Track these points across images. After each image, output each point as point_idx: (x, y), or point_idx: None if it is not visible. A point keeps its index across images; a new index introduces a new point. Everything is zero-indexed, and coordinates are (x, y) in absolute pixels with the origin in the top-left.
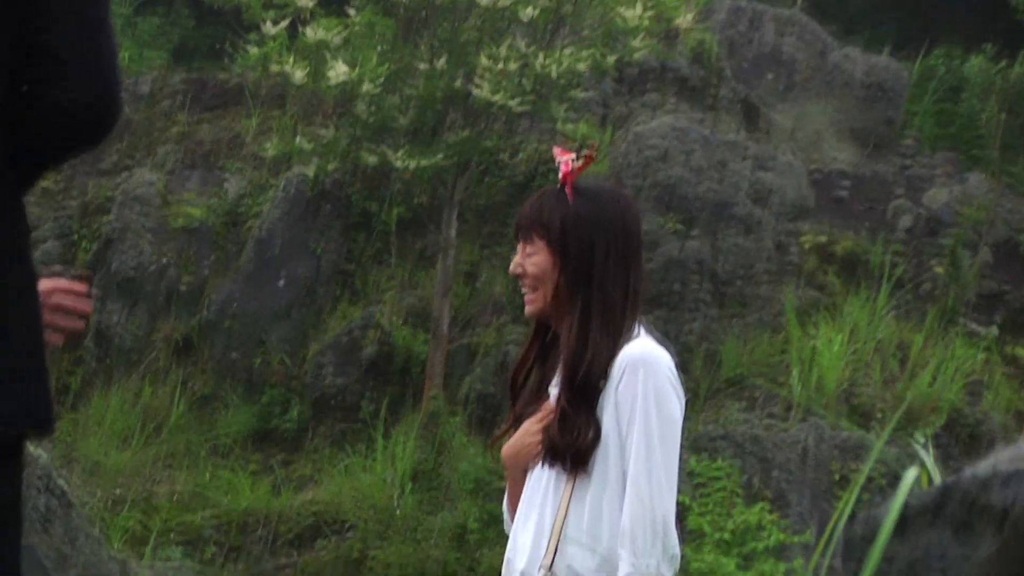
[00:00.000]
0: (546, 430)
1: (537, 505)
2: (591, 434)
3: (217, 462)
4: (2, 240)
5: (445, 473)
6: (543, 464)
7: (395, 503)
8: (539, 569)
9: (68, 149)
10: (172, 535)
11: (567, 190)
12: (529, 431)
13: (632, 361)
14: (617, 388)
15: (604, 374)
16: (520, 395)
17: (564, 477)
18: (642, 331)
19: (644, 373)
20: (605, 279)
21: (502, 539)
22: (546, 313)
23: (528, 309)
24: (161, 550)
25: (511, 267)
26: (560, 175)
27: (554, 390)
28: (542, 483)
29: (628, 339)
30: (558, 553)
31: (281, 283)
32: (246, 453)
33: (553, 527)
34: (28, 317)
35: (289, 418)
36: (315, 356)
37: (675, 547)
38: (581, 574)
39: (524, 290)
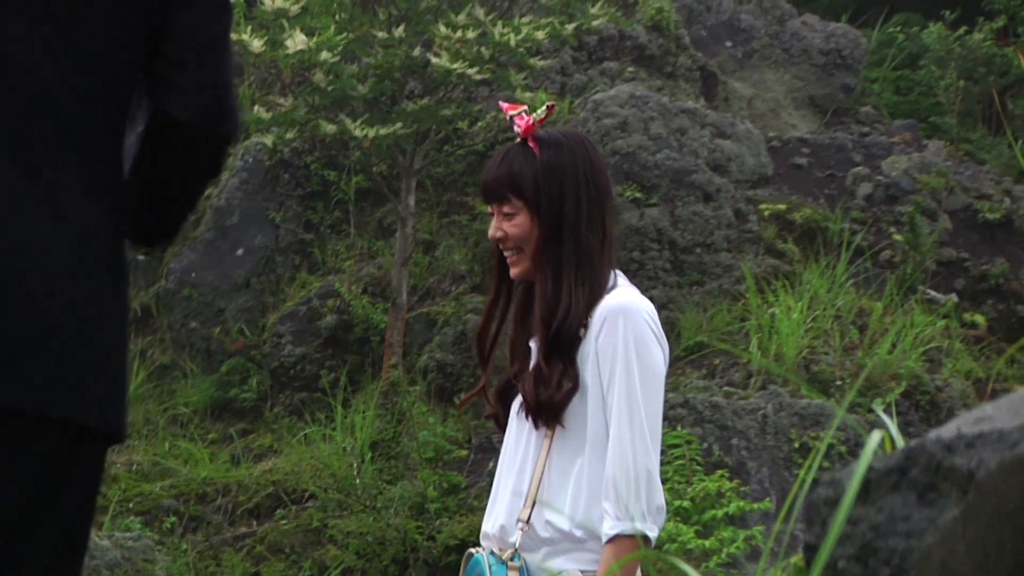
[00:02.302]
0: (523, 384)
1: (518, 459)
2: (568, 386)
3: (176, 432)
4: (113, 255)
5: (405, 443)
6: (524, 417)
7: (355, 473)
8: (516, 523)
9: (180, 170)
10: (131, 505)
11: (531, 144)
12: None
13: (612, 311)
14: (597, 339)
15: (583, 325)
16: (490, 356)
17: (544, 430)
18: (620, 280)
19: (624, 323)
20: (580, 227)
21: (462, 508)
22: (533, 273)
23: (514, 272)
24: (120, 520)
25: (491, 232)
26: (519, 130)
27: (534, 344)
28: (523, 436)
29: (605, 286)
30: (536, 507)
31: (240, 252)
32: (205, 423)
33: (531, 481)
34: (123, 323)
35: (248, 388)
36: (274, 326)
37: (660, 500)
38: (559, 528)
39: (507, 253)
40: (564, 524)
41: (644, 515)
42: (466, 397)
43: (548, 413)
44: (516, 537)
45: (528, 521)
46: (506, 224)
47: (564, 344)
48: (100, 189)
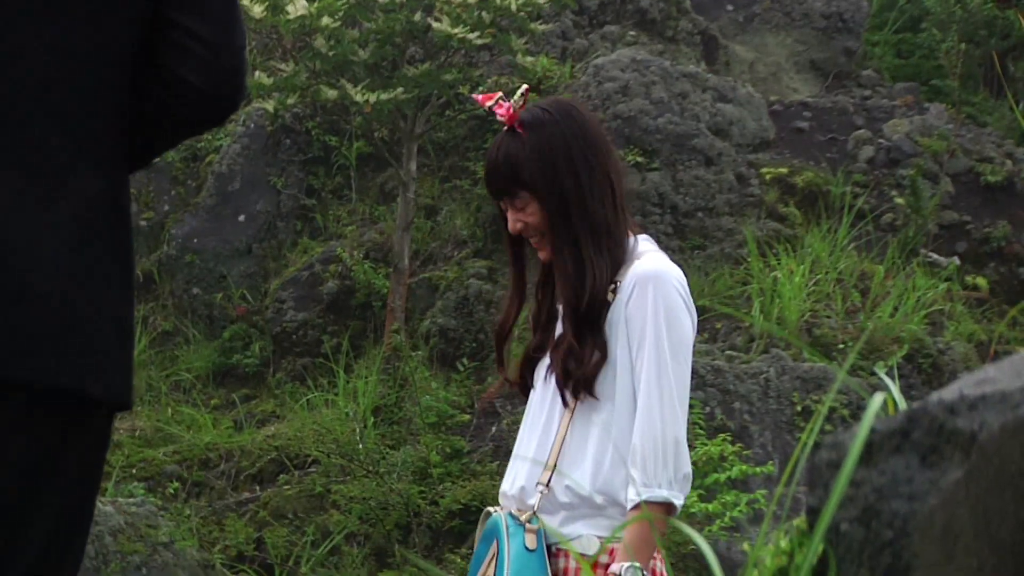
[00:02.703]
0: (555, 357)
1: (541, 421)
2: (598, 357)
3: (179, 398)
4: (116, 217)
5: (407, 408)
6: (548, 382)
7: (358, 438)
8: (536, 486)
9: (192, 128)
10: (134, 471)
11: (518, 129)
12: None
13: (642, 278)
14: (627, 305)
15: (611, 291)
16: (507, 351)
17: (567, 398)
18: (649, 245)
19: (654, 289)
20: (585, 199)
21: (465, 473)
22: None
23: (543, 256)
24: (123, 486)
25: (511, 229)
26: (503, 119)
27: (560, 309)
28: (547, 399)
29: (626, 250)
30: (556, 472)
31: (241, 218)
32: (208, 389)
33: (553, 444)
34: (127, 295)
35: (251, 354)
36: (276, 291)
37: (687, 467)
38: (579, 493)
39: (533, 241)
40: (584, 489)
41: (671, 482)
42: (488, 394)
43: (579, 386)
44: (535, 499)
45: (548, 484)
46: (521, 215)
47: (592, 317)
48: (102, 186)
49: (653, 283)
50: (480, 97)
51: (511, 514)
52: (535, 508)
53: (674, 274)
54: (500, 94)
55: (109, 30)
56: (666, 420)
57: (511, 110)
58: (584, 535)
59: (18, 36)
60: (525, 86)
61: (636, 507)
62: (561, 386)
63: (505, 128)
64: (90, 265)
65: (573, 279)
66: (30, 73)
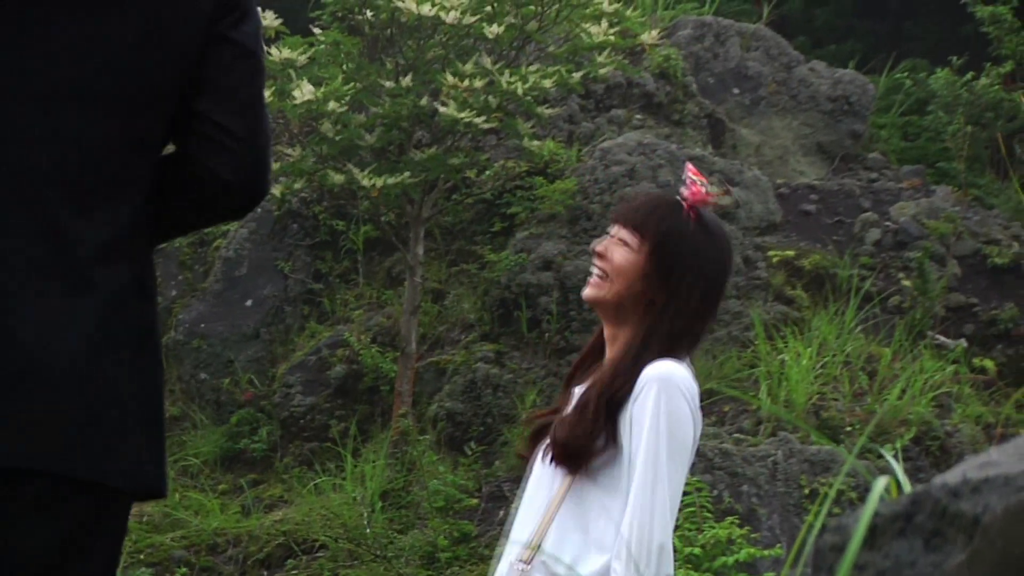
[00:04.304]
0: (555, 428)
1: (535, 501)
2: (600, 441)
3: (186, 483)
4: (142, 307)
5: (415, 492)
6: (547, 462)
7: (365, 522)
8: (518, 562)
9: (216, 217)
10: (142, 556)
11: (690, 211)
12: None
13: (649, 380)
14: (633, 405)
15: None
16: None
17: (563, 478)
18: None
19: (658, 392)
20: (685, 308)
21: (473, 557)
22: (603, 305)
23: (588, 292)
24: (131, 571)
25: (594, 243)
26: (688, 193)
27: (578, 389)
28: (543, 480)
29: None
30: (538, 552)
31: (249, 303)
32: (215, 474)
33: (540, 524)
34: (155, 381)
35: (258, 439)
36: (283, 376)
37: (670, 570)
38: (554, 572)
39: (594, 271)
40: (561, 569)
41: None
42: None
43: (572, 459)
44: None
45: (529, 562)
46: (616, 244)
47: (614, 403)
48: (124, 253)
49: (659, 384)
50: (692, 169)
51: None
52: None
53: (682, 380)
54: (706, 179)
55: (142, 124)
56: (655, 523)
57: (702, 192)
58: None
59: (48, 128)
60: (726, 188)
61: None
62: (554, 455)
63: (685, 200)
64: (114, 354)
65: (624, 361)
66: (60, 163)
